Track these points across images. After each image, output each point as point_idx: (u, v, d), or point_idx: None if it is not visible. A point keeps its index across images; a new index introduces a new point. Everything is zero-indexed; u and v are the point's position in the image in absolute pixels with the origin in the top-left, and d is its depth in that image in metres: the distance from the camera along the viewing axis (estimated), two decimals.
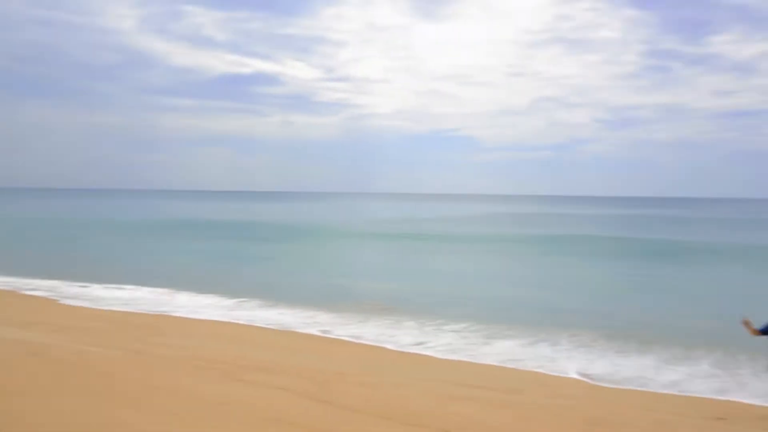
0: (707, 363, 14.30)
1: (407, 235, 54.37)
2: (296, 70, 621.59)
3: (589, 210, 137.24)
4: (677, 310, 21.44)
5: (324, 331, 17.07)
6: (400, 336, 16.67)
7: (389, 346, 15.49)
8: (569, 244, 46.73)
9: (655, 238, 56.26)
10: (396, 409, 9.46)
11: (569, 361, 14.31)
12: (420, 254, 40.53)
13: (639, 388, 12.23)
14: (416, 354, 14.83)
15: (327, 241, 49.38)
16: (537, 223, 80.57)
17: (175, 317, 18.53)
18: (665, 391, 12.06)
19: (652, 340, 16.14)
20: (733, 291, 25.96)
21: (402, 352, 14.98)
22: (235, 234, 52.17)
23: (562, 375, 13.18)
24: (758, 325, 10.26)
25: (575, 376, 13.13)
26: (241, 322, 18.10)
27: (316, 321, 18.43)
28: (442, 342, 16.09)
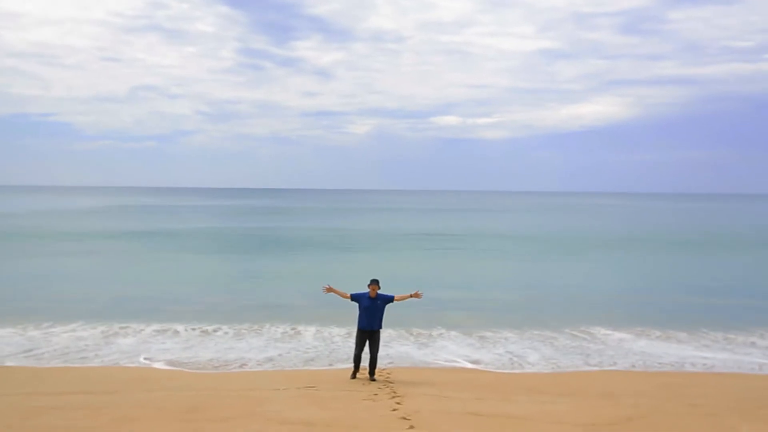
0: (310, 336, 16.18)
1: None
2: None
3: (197, 201, 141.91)
4: (282, 292, 23.29)
5: None
6: None
7: None
8: (181, 238, 47.32)
9: (258, 226, 62.32)
10: None
11: (185, 351, 14.51)
12: (18, 255, 35.15)
13: (239, 370, 13.09)
14: (11, 366, 13.35)
15: None
16: (147, 216, 78.91)
17: None
18: (263, 369, 13.20)
19: (265, 322, 17.49)
20: (330, 269, 29.62)
21: None
22: None
23: (167, 368, 13.26)
24: (344, 289, 12.07)
25: (176, 368, 13.27)
26: None
27: None
28: (54, 348, 14.79)
